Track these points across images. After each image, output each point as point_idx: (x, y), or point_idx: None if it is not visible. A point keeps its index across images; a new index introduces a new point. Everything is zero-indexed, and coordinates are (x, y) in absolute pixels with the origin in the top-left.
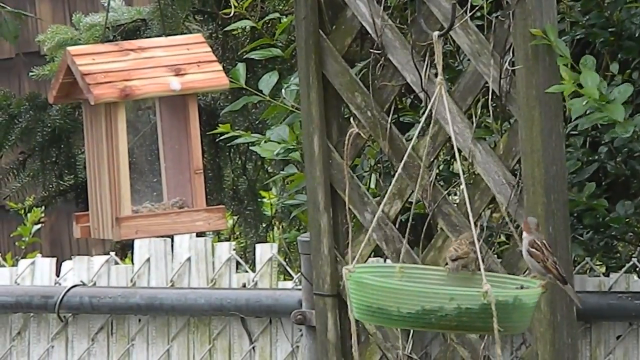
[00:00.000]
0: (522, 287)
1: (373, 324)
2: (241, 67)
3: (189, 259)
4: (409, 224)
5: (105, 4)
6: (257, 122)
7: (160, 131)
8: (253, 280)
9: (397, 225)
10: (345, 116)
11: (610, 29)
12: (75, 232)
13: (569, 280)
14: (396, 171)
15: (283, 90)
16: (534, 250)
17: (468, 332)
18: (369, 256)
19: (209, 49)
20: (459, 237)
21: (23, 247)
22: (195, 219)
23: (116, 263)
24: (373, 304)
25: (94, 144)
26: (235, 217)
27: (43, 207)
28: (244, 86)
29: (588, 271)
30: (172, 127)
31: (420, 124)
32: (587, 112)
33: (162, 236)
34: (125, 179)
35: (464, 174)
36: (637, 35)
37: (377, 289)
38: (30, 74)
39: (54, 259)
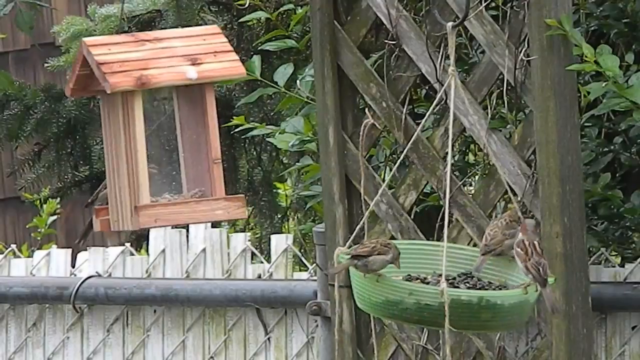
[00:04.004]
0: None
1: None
2: (256, 59)
3: (204, 250)
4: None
5: None
6: (272, 113)
7: (179, 122)
8: (268, 271)
9: (412, 216)
10: (361, 107)
11: (624, 20)
12: (95, 226)
13: (583, 272)
14: (409, 161)
15: (298, 82)
16: (518, 249)
17: (433, 327)
18: None
19: (226, 40)
20: (498, 218)
21: (39, 238)
22: (215, 207)
23: (131, 254)
24: (355, 288)
25: (112, 135)
26: (251, 208)
27: (58, 198)
28: (259, 78)
29: (603, 262)
30: (190, 118)
31: (428, 113)
32: (604, 98)
33: (180, 225)
34: (143, 168)
35: (477, 164)
36: None
37: (354, 274)
38: (46, 65)
39: (70, 250)
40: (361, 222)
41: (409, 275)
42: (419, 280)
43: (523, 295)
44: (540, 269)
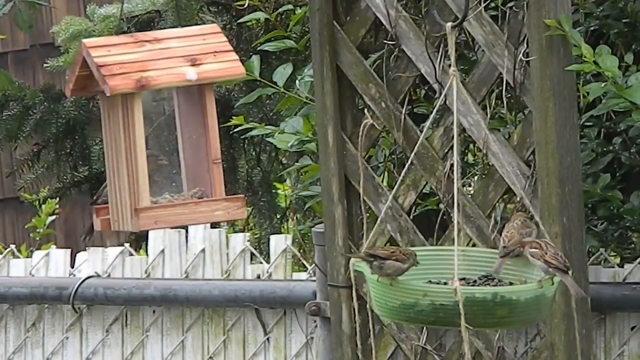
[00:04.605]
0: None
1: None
2: (255, 59)
3: (203, 250)
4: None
5: None
6: (271, 113)
7: (179, 122)
8: (267, 272)
9: (411, 217)
10: (360, 107)
11: (624, 20)
12: (96, 225)
13: (582, 273)
14: (409, 162)
15: (297, 82)
16: (533, 250)
17: (450, 327)
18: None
19: (225, 39)
20: (514, 218)
21: (37, 238)
22: (215, 208)
23: (130, 254)
24: (372, 294)
25: (112, 136)
26: (250, 209)
27: (57, 199)
28: (259, 78)
29: (602, 262)
30: (190, 118)
31: (432, 114)
32: (604, 98)
33: (180, 226)
34: (143, 170)
35: (477, 165)
36: None
37: (370, 280)
38: (45, 65)
39: (69, 251)
40: (375, 228)
41: (429, 281)
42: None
43: (538, 290)
44: (560, 258)
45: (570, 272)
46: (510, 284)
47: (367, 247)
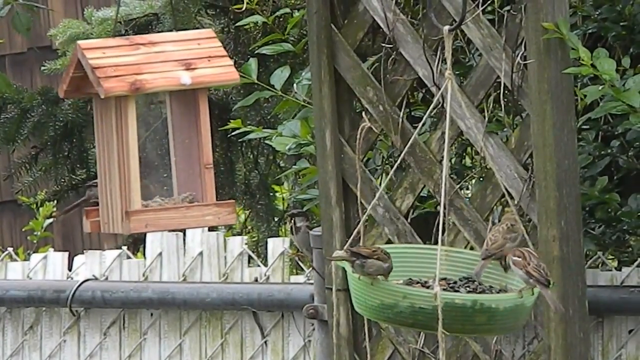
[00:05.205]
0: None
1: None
2: (253, 62)
3: (201, 254)
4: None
5: None
6: (269, 116)
7: (171, 126)
8: (265, 275)
9: (409, 220)
10: (357, 110)
11: (622, 23)
12: (85, 227)
13: (580, 276)
14: (397, 164)
15: (295, 85)
16: (516, 258)
17: (428, 331)
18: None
19: (220, 44)
20: (502, 221)
21: (35, 241)
22: (205, 213)
23: (128, 257)
24: (352, 291)
25: (104, 139)
26: (247, 212)
27: (55, 202)
28: (256, 81)
29: (600, 265)
30: (183, 122)
31: (425, 116)
32: (601, 101)
33: (171, 230)
34: (135, 173)
35: (474, 168)
36: None
37: (351, 278)
38: (43, 68)
39: (66, 253)
40: (358, 226)
41: (410, 279)
42: (419, 284)
43: (518, 299)
44: (542, 271)
45: (551, 284)
46: (490, 287)
47: (350, 244)
